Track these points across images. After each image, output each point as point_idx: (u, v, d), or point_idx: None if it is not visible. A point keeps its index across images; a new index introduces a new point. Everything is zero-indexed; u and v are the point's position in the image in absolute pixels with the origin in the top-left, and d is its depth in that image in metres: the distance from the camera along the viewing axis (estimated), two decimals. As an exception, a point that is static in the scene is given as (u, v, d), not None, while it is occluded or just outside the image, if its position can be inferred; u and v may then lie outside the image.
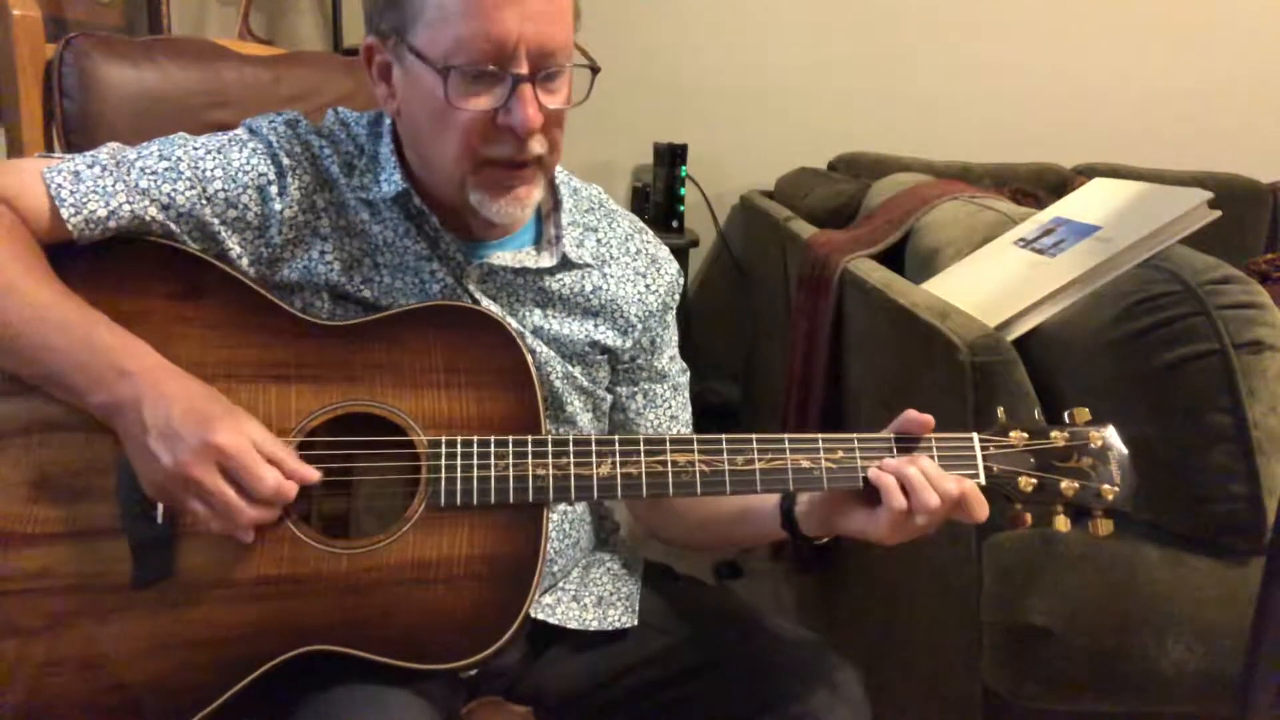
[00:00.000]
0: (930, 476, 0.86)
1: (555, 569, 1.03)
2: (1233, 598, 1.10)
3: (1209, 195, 1.24)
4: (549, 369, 0.99)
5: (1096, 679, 1.13)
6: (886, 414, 0.92)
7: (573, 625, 1.01)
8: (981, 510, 0.87)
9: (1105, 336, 1.15)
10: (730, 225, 3.07)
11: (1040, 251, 1.38)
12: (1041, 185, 2.66)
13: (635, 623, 1.02)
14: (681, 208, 2.81)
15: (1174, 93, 3.10)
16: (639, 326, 1.06)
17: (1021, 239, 1.47)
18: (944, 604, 1.26)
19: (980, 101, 3.07)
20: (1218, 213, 1.24)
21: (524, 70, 0.85)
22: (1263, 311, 1.08)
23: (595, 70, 0.92)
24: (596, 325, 1.03)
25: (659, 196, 2.81)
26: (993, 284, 1.37)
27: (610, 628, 1.01)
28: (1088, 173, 2.69)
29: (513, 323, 0.96)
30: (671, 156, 2.77)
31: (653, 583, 1.09)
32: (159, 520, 0.84)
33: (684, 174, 2.80)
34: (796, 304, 1.91)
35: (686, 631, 1.01)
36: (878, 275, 1.56)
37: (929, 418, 0.90)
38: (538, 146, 0.90)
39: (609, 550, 1.12)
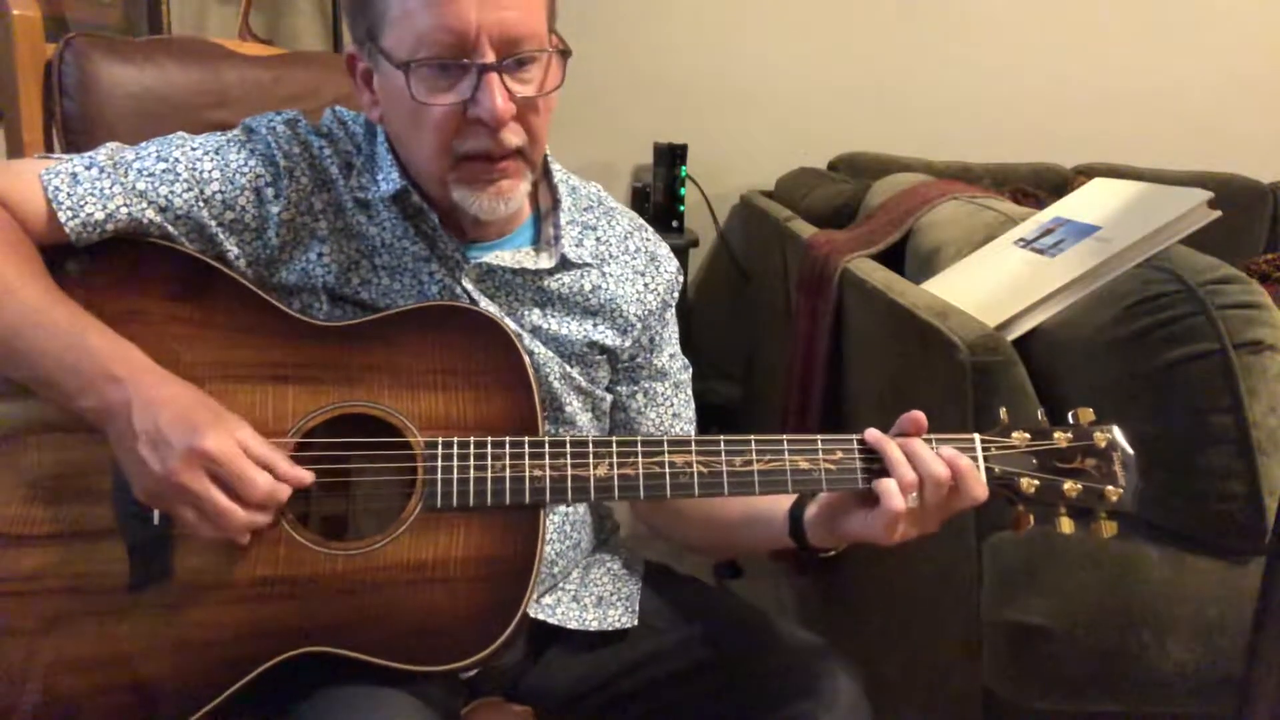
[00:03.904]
0: (925, 455, 0.86)
1: (556, 570, 1.03)
2: (1233, 598, 1.10)
3: (1209, 195, 1.24)
4: (547, 370, 0.99)
5: (1096, 679, 1.13)
6: (886, 415, 0.92)
7: (573, 625, 1.01)
8: (979, 488, 0.86)
9: (1105, 336, 1.14)
10: (730, 225, 3.07)
11: (1040, 251, 1.38)
12: (1041, 185, 2.66)
13: (635, 623, 1.01)
14: (681, 208, 2.81)
15: (1174, 93, 3.10)
16: (638, 326, 1.05)
17: (1021, 239, 1.47)
18: (944, 604, 1.26)
19: (980, 101, 3.07)
20: (1218, 213, 1.24)
21: (489, 59, 0.84)
22: (1263, 311, 1.08)
23: (566, 54, 0.90)
24: (596, 325, 1.02)
25: (659, 196, 2.80)
26: (993, 284, 1.37)
27: (610, 628, 1.01)
28: (1088, 173, 2.69)
29: (511, 324, 0.95)
30: (671, 156, 2.77)
31: (653, 583, 1.08)
32: (155, 522, 0.83)
33: (684, 174, 2.80)
34: (796, 304, 1.91)
35: (687, 632, 1.01)
36: (878, 275, 1.56)
37: (923, 417, 0.89)
38: (514, 138, 0.88)
39: (609, 550, 1.12)
